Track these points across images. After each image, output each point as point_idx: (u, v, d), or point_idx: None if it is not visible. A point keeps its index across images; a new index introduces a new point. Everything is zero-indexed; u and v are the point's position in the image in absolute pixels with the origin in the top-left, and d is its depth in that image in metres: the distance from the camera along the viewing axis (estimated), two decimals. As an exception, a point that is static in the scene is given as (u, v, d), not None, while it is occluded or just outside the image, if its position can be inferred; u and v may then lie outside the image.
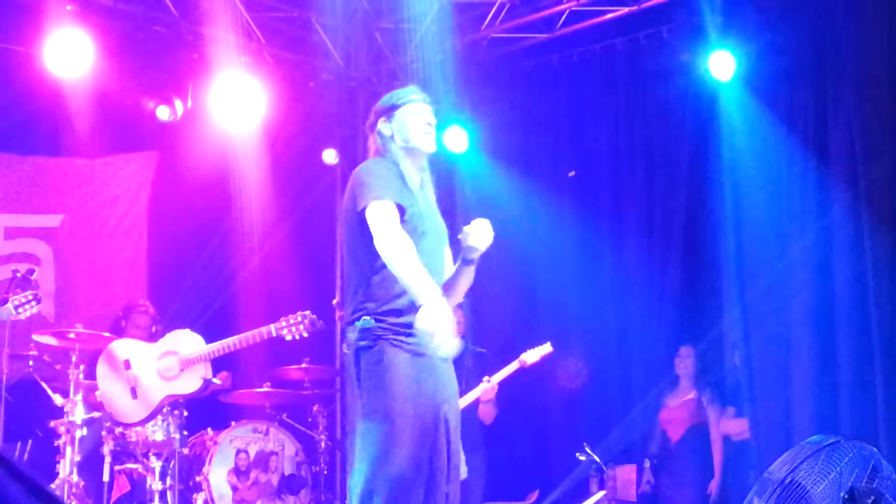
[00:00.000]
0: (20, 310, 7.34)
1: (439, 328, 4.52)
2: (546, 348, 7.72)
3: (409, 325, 4.68)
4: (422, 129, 5.00)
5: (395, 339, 4.74)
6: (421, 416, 4.71)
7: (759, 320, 8.60)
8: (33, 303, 7.42)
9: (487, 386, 7.73)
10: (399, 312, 4.76)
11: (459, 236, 4.93)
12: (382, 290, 4.79)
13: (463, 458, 5.03)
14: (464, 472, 5.11)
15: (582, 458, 8.48)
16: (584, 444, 8.49)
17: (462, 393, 7.56)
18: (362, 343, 4.77)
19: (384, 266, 4.75)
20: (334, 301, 9.24)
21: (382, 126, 5.05)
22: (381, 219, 4.74)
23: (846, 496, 4.68)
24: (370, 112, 5.23)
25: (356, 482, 4.70)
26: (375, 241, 4.73)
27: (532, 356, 7.71)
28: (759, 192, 8.85)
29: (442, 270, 5.01)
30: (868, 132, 8.20)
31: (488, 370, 7.89)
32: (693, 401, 8.81)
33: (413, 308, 4.64)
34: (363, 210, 4.79)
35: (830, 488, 4.69)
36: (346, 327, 4.89)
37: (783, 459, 4.93)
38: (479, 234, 4.89)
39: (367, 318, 4.77)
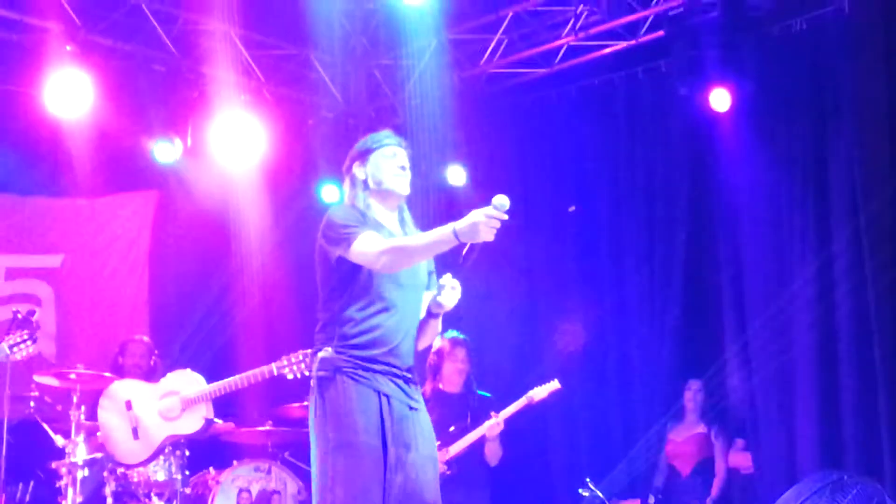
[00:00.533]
0: (15, 349, 7.30)
1: (482, 225, 4.48)
2: (554, 385, 7.70)
3: (372, 360, 4.72)
4: (394, 171, 5.00)
5: (353, 373, 4.72)
6: (369, 452, 4.65)
7: (760, 354, 8.58)
8: (28, 342, 7.37)
9: (493, 422, 7.69)
10: (361, 347, 4.76)
11: (434, 289, 4.95)
12: (346, 326, 4.78)
13: None
14: None
15: (585, 493, 8.43)
16: (587, 479, 8.45)
17: (466, 432, 7.58)
18: (321, 374, 4.77)
19: (347, 306, 4.78)
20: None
21: (357, 170, 5.04)
22: (366, 251, 4.72)
23: (850, 533, 4.67)
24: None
25: None
26: (375, 271, 4.76)
27: (540, 392, 7.68)
28: (759, 225, 8.85)
29: (416, 316, 5.00)
30: (867, 165, 8.20)
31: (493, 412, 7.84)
32: (702, 435, 8.78)
33: (374, 345, 4.73)
34: (339, 258, 4.79)
35: (834, 525, 4.67)
36: (311, 360, 4.88)
37: (787, 497, 4.93)
38: (450, 293, 4.91)
39: (329, 349, 4.78)
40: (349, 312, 4.78)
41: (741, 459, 8.70)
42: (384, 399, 4.72)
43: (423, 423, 4.90)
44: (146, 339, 9.15)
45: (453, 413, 7.73)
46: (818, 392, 8.26)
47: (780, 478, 8.00)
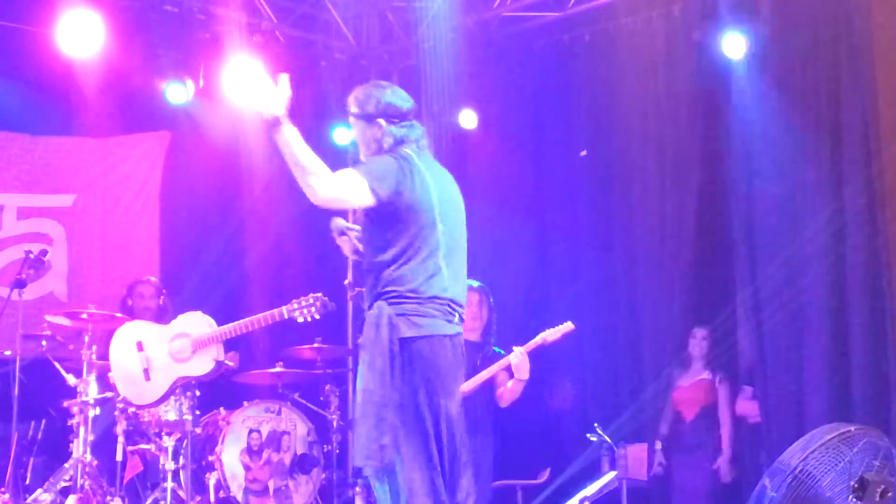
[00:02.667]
0: None
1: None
2: (567, 326, 7.54)
3: (439, 301, 4.89)
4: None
5: (413, 318, 4.84)
6: (436, 405, 4.84)
7: (771, 302, 8.56)
8: None
9: (518, 357, 7.54)
10: (425, 288, 4.90)
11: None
12: (399, 276, 4.87)
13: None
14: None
15: (593, 438, 8.49)
16: (595, 424, 8.50)
17: (476, 372, 7.52)
18: (383, 324, 4.84)
19: (398, 257, 4.87)
20: (346, 281, 9.21)
21: (377, 126, 5.21)
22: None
23: (856, 485, 4.70)
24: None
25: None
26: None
27: (553, 334, 7.53)
28: (772, 171, 8.79)
29: (458, 267, 5.17)
30: (882, 111, 8.15)
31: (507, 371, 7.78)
32: (707, 381, 8.85)
33: (435, 287, 4.88)
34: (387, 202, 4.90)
35: (840, 477, 4.70)
36: (371, 305, 4.96)
37: (794, 448, 4.95)
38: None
39: (396, 297, 4.90)
40: (399, 264, 4.90)
41: (748, 408, 8.74)
42: (450, 341, 4.96)
43: (461, 365, 5.12)
44: (154, 279, 9.19)
45: (468, 360, 7.66)
46: (827, 342, 8.25)
47: (788, 428, 8.01)
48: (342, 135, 10.10)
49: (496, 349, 7.75)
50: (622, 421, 8.99)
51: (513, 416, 8.08)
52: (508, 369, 7.52)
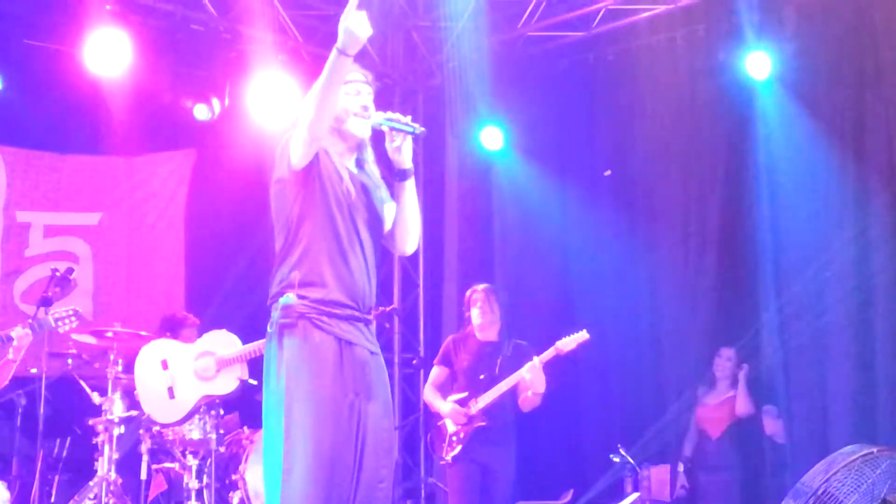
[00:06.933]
0: (59, 323, 7.38)
1: (350, 23, 4.37)
2: (582, 335, 7.44)
3: (334, 304, 4.51)
4: (356, 110, 4.69)
5: (317, 319, 4.50)
6: (328, 401, 4.45)
7: (795, 321, 8.56)
8: (73, 318, 7.46)
9: (531, 372, 7.42)
10: (322, 290, 4.52)
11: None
12: (304, 270, 4.55)
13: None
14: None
15: (616, 459, 8.46)
16: (619, 445, 8.48)
17: (496, 381, 7.48)
18: (283, 321, 4.52)
19: (302, 240, 4.56)
20: (370, 300, 9.23)
21: None
22: (296, 138, 4.53)
23: (878, 507, 4.68)
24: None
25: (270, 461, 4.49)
26: (304, 135, 4.50)
27: (568, 344, 7.41)
28: (797, 191, 8.80)
29: (375, 256, 4.74)
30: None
31: (528, 361, 7.66)
32: (733, 398, 8.76)
33: (336, 285, 4.51)
34: (280, 177, 4.62)
35: (863, 499, 4.68)
36: (271, 306, 4.63)
37: (817, 469, 4.94)
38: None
39: (290, 294, 4.54)
40: (307, 255, 4.56)
41: (774, 427, 8.68)
42: (345, 346, 4.53)
43: (380, 366, 4.71)
44: (197, 321, 9.10)
45: (486, 362, 7.57)
46: (852, 362, 8.23)
47: (813, 449, 7.97)
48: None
49: (517, 341, 7.67)
50: (645, 441, 8.97)
51: (534, 433, 8.05)
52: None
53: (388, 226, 4.82)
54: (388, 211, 4.82)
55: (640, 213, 9.89)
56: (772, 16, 8.77)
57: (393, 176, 4.76)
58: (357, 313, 4.59)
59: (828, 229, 8.59)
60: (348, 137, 4.72)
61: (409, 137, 4.67)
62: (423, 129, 4.68)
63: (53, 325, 7.33)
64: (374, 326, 4.72)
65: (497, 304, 7.73)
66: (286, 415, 4.44)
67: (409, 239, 4.84)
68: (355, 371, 4.55)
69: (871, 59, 8.49)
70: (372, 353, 4.65)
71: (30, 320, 7.27)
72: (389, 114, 4.65)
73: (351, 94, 4.70)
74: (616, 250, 9.83)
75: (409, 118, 4.65)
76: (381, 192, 4.80)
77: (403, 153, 4.68)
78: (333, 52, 4.39)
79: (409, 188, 4.76)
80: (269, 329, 4.61)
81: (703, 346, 9.06)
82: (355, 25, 4.38)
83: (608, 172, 10.15)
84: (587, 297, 9.75)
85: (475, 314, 7.70)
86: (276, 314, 4.58)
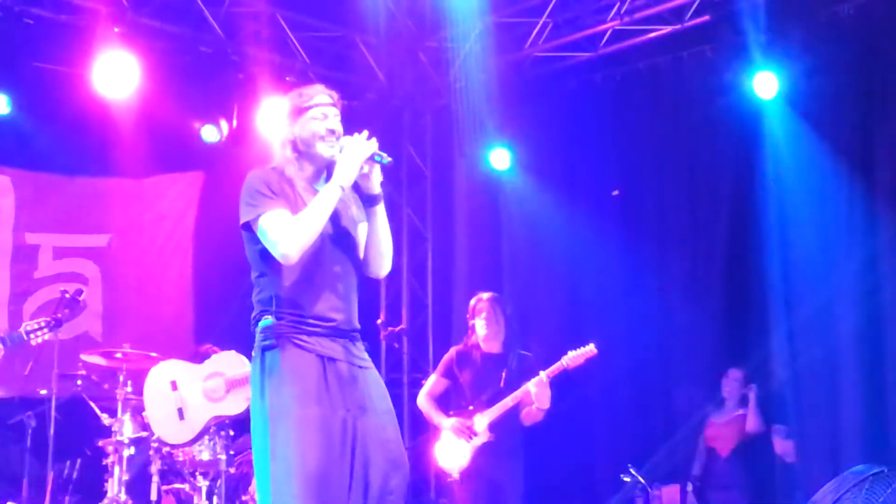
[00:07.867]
0: (31, 336, 7.32)
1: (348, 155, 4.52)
2: (590, 350, 7.36)
3: (313, 322, 4.52)
4: (323, 134, 4.69)
5: (296, 338, 4.51)
6: (312, 420, 4.42)
7: (805, 342, 8.54)
8: (45, 329, 7.40)
9: (537, 387, 7.36)
10: (302, 309, 4.54)
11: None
12: (283, 289, 4.57)
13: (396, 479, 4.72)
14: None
15: (627, 479, 8.45)
16: (629, 465, 8.46)
17: (501, 396, 7.44)
18: (265, 343, 4.55)
19: (274, 265, 4.56)
20: (378, 321, 9.26)
21: (287, 129, 4.77)
22: (267, 233, 4.52)
23: (888, 528, 4.66)
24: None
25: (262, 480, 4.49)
26: (274, 253, 4.51)
27: (576, 359, 7.32)
28: (805, 211, 8.79)
29: (354, 272, 4.76)
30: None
31: (533, 375, 7.61)
32: (742, 416, 8.74)
33: (313, 302, 4.52)
34: (247, 224, 4.63)
35: (872, 520, 4.67)
36: (254, 330, 4.67)
37: (827, 489, 4.92)
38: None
39: (269, 316, 4.57)
40: (280, 278, 4.56)
41: (784, 447, 8.66)
42: (328, 363, 4.51)
43: (374, 380, 4.68)
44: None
45: (490, 375, 7.48)
46: (862, 382, 8.22)
47: (823, 469, 7.94)
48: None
49: (522, 353, 7.62)
50: (656, 461, 8.95)
51: (545, 449, 8.02)
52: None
53: (361, 243, 4.82)
54: (362, 230, 4.82)
55: (648, 233, 9.88)
56: (779, 36, 8.77)
57: (363, 202, 4.76)
58: (339, 328, 4.59)
59: (836, 249, 8.57)
60: (317, 160, 4.74)
61: (378, 165, 4.67)
62: (390, 159, 4.68)
63: (25, 337, 7.29)
64: (361, 343, 4.71)
65: (502, 315, 7.67)
66: (271, 436, 4.45)
67: (383, 262, 4.83)
68: (342, 387, 4.53)
69: (878, 78, 8.49)
70: (361, 367, 4.63)
71: (0, 334, 7.28)
72: (357, 138, 4.63)
73: (318, 118, 4.75)
74: (624, 271, 9.82)
75: (375, 144, 4.62)
76: (352, 210, 4.80)
77: (373, 180, 4.68)
78: (333, 188, 4.52)
79: (380, 213, 4.76)
80: (253, 353, 4.66)
81: (713, 367, 9.05)
82: (351, 155, 4.54)
83: (616, 192, 10.15)
84: (595, 317, 9.73)
85: (480, 325, 7.60)
86: (258, 337, 4.62)
